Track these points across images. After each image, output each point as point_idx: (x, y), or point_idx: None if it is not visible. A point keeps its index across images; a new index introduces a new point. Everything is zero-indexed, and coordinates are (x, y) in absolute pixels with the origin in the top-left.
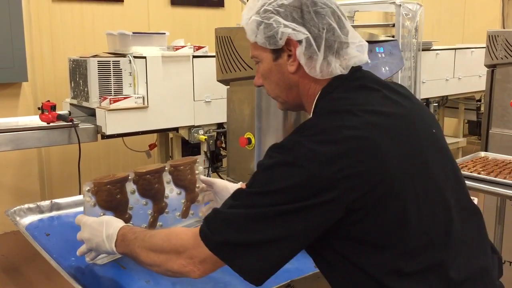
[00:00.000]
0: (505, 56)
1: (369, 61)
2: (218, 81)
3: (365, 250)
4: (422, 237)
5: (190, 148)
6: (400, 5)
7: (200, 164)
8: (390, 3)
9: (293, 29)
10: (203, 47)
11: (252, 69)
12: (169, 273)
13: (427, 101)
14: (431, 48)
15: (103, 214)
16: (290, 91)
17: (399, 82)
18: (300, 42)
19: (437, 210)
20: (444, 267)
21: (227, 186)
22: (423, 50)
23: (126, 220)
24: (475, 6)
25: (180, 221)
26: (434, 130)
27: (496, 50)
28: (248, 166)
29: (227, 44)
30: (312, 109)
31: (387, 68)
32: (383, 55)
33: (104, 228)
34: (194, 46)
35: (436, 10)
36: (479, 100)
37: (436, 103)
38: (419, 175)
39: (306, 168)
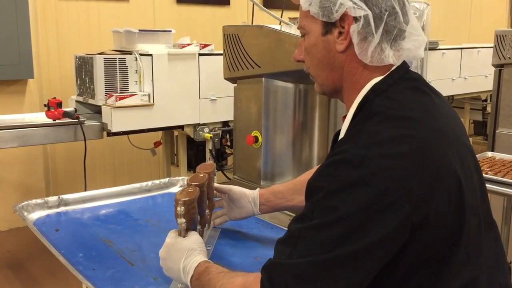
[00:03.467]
0: None
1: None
2: (225, 79)
3: (412, 268)
4: (463, 255)
5: (195, 146)
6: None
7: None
8: None
9: (354, 3)
10: (209, 45)
11: (259, 67)
12: None
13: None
14: (438, 48)
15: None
16: (332, 72)
17: None
18: (357, 19)
19: (476, 227)
20: (476, 284)
21: (245, 193)
22: (429, 49)
23: None
24: (482, 5)
25: (205, 232)
26: (466, 141)
27: (504, 49)
28: (255, 164)
29: (235, 42)
30: (358, 101)
31: None
32: None
33: (184, 257)
34: (200, 44)
35: (442, 9)
36: (485, 100)
37: None
38: (469, 188)
39: (377, 187)
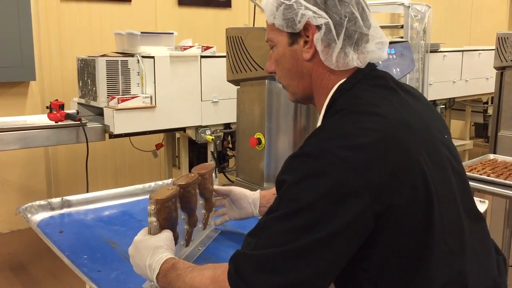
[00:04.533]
0: None
1: (381, 62)
2: (228, 81)
3: (386, 260)
4: (442, 246)
5: (197, 148)
6: (409, 6)
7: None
8: (398, 4)
9: (314, 13)
10: (211, 47)
11: (262, 69)
12: None
13: (434, 103)
14: (439, 50)
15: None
16: (302, 80)
17: (407, 83)
18: (319, 27)
19: (453, 217)
20: (463, 277)
21: (246, 194)
22: (430, 51)
23: (175, 240)
24: (482, 8)
25: (201, 232)
26: (446, 136)
27: (506, 52)
28: (258, 166)
29: (238, 44)
30: (326, 103)
31: (398, 70)
32: (394, 56)
33: (150, 255)
34: (202, 46)
35: (443, 12)
36: (486, 103)
37: (443, 105)
38: (440, 180)
39: (335, 176)
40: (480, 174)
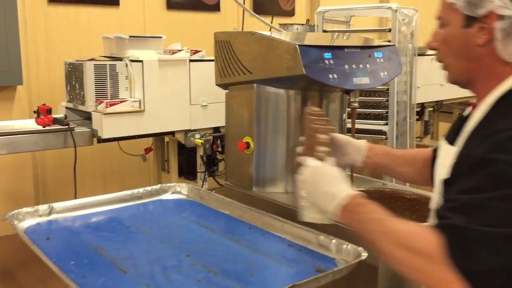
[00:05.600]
0: None
1: (369, 66)
2: (217, 85)
3: None
4: None
5: (186, 152)
6: (397, 10)
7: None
8: (386, 8)
9: (503, 2)
10: (199, 51)
11: (251, 73)
12: (413, 276)
13: (422, 105)
14: (426, 53)
15: None
16: (468, 63)
17: (395, 87)
18: (502, 17)
19: None
20: None
21: (350, 140)
22: (418, 55)
23: None
24: None
25: None
26: None
27: None
28: (247, 170)
29: (226, 48)
30: (502, 91)
31: (385, 73)
32: (382, 60)
33: (329, 182)
34: (191, 50)
35: (431, 15)
36: None
37: (431, 108)
38: None
39: None
40: None
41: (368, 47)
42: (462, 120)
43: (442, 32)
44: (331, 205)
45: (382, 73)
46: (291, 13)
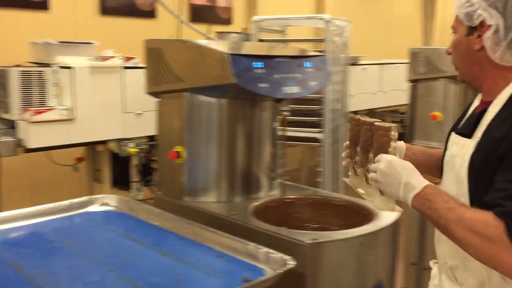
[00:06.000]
0: (426, 72)
1: (300, 75)
2: (148, 93)
3: None
4: None
5: (120, 161)
6: (329, 21)
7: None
8: (319, 19)
9: (489, 14)
10: (133, 58)
11: (183, 81)
12: (483, 259)
13: (356, 113)
14: (359, 63)
15: None
16: (471, 65)
17: (328, 95)
18: (490, 26)
19: None
20: None
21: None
22: (351, 64)
23: None
24: (400, 23)
25: None
26: None
27: (417, 66)
28: (178, 180)
29: (158, 56)
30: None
31: (315, 83)
32: (312, 69)
33: (406, 173)
34: (125, 57)
35: (363, 26)
36: (403, 113)
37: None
38: None
39: None
40: None
41: (298, 57)
42: (478, 116)
43: (454, 39)
44: (411, 194)
45: (311, 83)
46: (228, 22)
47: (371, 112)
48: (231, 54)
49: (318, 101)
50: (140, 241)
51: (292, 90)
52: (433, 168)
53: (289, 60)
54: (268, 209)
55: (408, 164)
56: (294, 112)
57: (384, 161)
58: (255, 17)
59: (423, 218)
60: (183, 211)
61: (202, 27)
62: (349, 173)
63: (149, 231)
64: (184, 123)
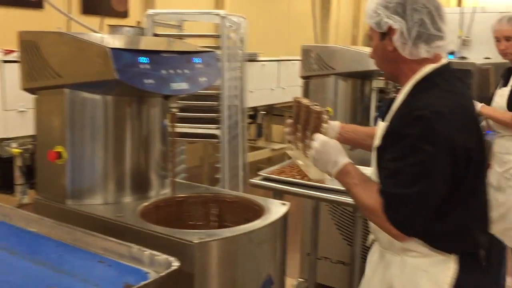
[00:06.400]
0: (318, 69)
1: (188, 71)
2: (23, 89)
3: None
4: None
5: (2, 163)
6: (225, 17)
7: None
8: (214, 14)
9: (393, 21)
10: (14, 51)
11: (61, 77)
12: (374, 223)
13: (255, 109)
14: (257, 59)
15: None
16: (389, 64)
17: (226, 91)
18: (396, 30)
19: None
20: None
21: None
22: (249, 61)
23: None
24: (297, 22)
25: None
26: None
27: (309, 63)
28: (60, 182)
29: (32, 49)
30: (417, 78)
31: (205, 79)
32: (201, 65)
33: (334, 152)
34: (5, 50)
35: (260, 23)
36: None
37: (263, 111)
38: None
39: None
40: (287, 177)
41: (186, 53)
42: (389, 102)
43: (373, 45)
44: (334, 169)
45: (201, 79)
46: (124, 15)
47: (270, 108)
48: (113, 48)
49: (216, 97)
50: (12, 251)
51: (181, 86)
52: (362, 143)
53: (176, 55)
54: (158, 209)
55: (338, 145)
56: (191, 108)
57: (318, 140)
58: (150, 11)
59: (316, 212)
60: (66, 215)
61: (95, 20)
62: (292, 146)
63: (23, 239)
64: (64, 121)
